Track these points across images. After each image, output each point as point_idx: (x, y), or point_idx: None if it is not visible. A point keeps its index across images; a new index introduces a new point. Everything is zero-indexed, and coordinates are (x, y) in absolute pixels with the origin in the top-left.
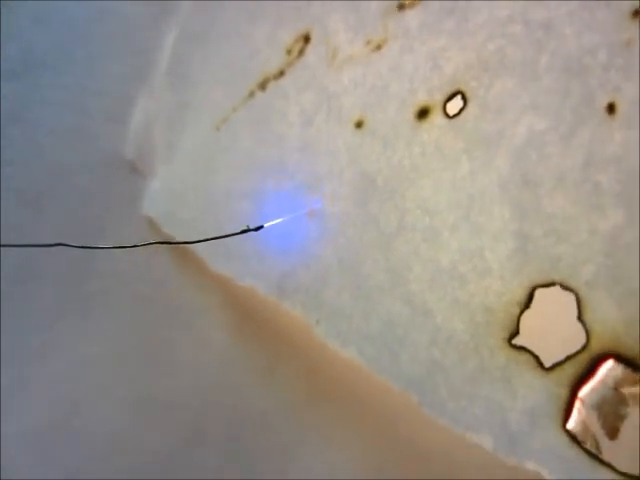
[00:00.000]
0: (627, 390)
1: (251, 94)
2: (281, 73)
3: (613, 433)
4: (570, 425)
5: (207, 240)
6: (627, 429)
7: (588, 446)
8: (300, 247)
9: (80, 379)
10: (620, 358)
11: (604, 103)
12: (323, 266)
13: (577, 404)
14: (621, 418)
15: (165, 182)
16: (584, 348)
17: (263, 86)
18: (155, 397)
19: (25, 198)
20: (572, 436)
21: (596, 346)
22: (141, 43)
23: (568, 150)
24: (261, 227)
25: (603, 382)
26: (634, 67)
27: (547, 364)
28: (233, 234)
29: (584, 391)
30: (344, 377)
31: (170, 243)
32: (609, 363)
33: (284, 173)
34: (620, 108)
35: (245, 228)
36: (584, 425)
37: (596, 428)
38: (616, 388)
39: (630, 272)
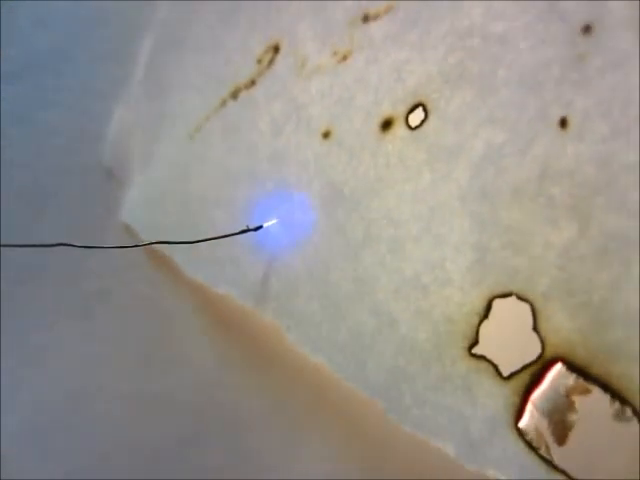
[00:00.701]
0: (577, 398)
1: (223, 103)
2: (252, 82)
3: (562, 440)
4: (522, 424)
5: (207, 240)
6: (576, 436)
7: (542, 452)
8: (271, 255)
9: (80, 379)
10: (573, 367)
11: (557, 117)
12: (293, 274)
13: (529, 406)
14: (570, 425)
15: (142, 190)
16: (539, 357)
17: (235, 95)
18: (155, 396)
19: (25, 198)
20: (526, 440)
21: (551, 355)
22: (139, 45)
23: (524, 163)
24: (260, 227)
25: (553, 386)
26: (586, 82)
27: (505, 373)
28: (233, 234)
29: (535, 394)
30: (329, 382)
31: (170, 243)
32: (558, 366)
33: (255, 182)
34: (572, 122)
35: (244, 228)
36: (537, 431)
37: (547, 434)
38: (567, 395)
39: (583, 284)
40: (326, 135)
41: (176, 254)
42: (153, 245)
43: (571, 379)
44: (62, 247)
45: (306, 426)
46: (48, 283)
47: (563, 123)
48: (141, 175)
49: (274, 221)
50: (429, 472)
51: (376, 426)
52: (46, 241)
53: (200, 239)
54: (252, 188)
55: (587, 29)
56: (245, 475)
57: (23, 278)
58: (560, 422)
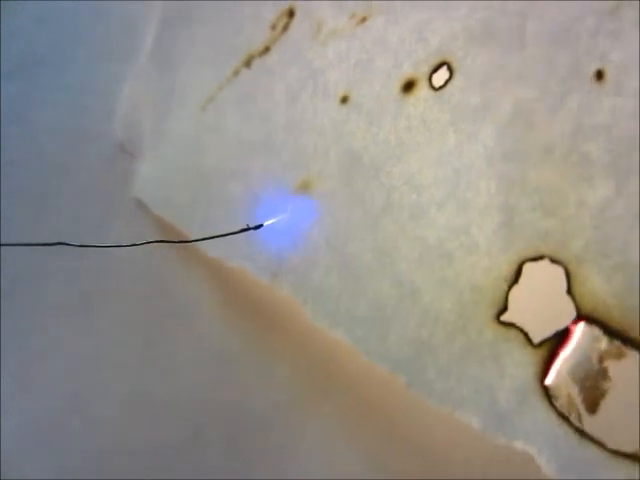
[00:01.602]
0: (610, 363)
1: (236, 72)
2: (266, 49)
3: (593, 407)
4: (549, 382)
5: (207, 239)
6: (610, 403)
7: (574, 420)
8: (288, 227)
9: (80, 378)
10: (609, 330)
11: (592, 70)
12: (311, 246)
13: (556, 365)
14: (602, 393)
15: (154, 164)
16: (574, 322)
17: (248, 63)
18: (155, 396)
19: (25, 198)
20: (557, 409)
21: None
22: (142, 43)
23: (556, 120)
24: (260, 226)
25: (583, 350)
26: (622, 33)
27: (536, 340)
28: (232, 233)
29: (563, 354)
30: (344, 371)
31: (170, 242)
32: (584, 327)
33: (271, 152)
34: (609, 74)
35: (245, 227)
36: (568, 397)
37: (578, 401)
38: (600, 361)
39: (620, 245)
40: (344, 100)
41: (191, 230)
42: (166, 221)
43: (604, 342)
44: (62, 246)
45: (322, 403)
46: (48, 282)
47: (599, 76)
48: (153, 149)
49: (275, 220)
50: (452, 447)
51: (396, 402)
52: (46, 240)
53: (200, 238)
54: (268, 158)
55: None
56: (277, 464)
57: (23, 278)
58: (592, 389)
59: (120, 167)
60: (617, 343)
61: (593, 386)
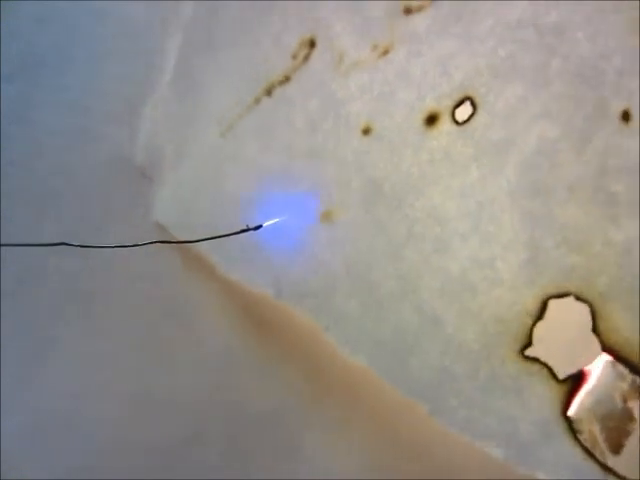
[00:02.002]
0: (635, 404)
1: (257, 100)
2: (287, 79)
3: (617, 448)
4: (571, 412)
5: (206, 240)
6: (633, 443)
7: (598, 456)
8: (308, 253)
9: (80, 378)
10: (634, 368)
11: (619, 110)
12: (331, 273)
13: (578, 396)
14: (627, 434)
15: (174, 189)
16: None
17: (269, 92)
18: (156, 396)
19: (25, 198)
20: (582, 444)
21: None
22: (143, 44)
23: (581, 158)
24: (260, 226)
25: (605, 388)
26: None
27: (561, 376)
28: (232, 233)
29: (584, 389)
30: (345, 377)
31: (170, 242)
32: (606, 362)
33: (290, 180)
34: (635, 115)
35: (244, 227)
36: (591, 434)
37: (600, 440)
38: (624, 401)
39: None
40: (366, 132)
41: (214, 254)
42: (186, 245)
43: (627, 381)
44: (62, 247)
45: (343, 429)
46: (49, 283)
47: (625, 116)
48: (173, 174)
49: (276, 220)
50: (450, 451)
51: (394, 406)
52: (46, 241)
53: (200, 239)
54: (287, 186)
55: None
56: (277, 465)
57: (23, 278)
58: (615, 429)
59: (120, 167)
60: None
61: (616, 426)
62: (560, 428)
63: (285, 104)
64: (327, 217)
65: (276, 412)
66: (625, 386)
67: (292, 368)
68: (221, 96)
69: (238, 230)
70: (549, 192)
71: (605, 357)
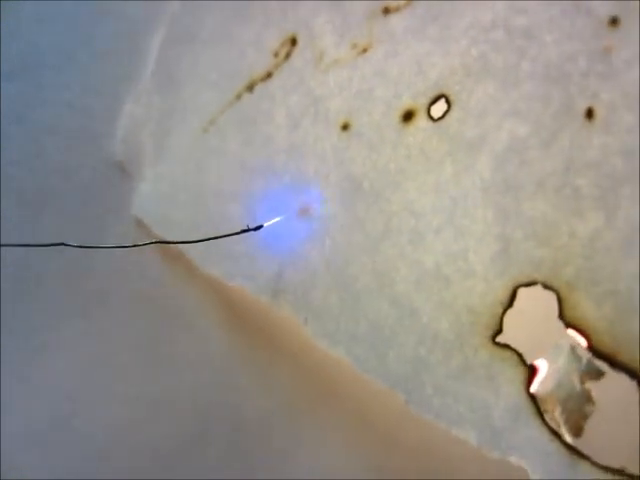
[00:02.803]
0: (592, 385)
1: (238, 96)
2: (268, 75)
3: (577, 431)
4: (533, 389)
5: (207, 240)
6: (601, 423)
7: (566, 438)
8: (288, 248)
9: (80, 379)
10: (599, 354)
11: (583, 109)
12: (310, 267)
13: (540, 373)
14: (585, 416)
15: (154, 184)
16: None
17: (250, 88)
18: (155, 397)
19: (25, 198)
20: (550, 427)
21: None
22: (141, 43)
23: (548, 155)
24: (260, 227)
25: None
26: (612, 74)
27: (529, 361)
28: (233, 234)
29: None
30: (341, 377)
31: (170, 242)
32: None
33: (272, 175)
34: (599, 113)
35: (245, 228)
36: (553, 415)
37: (562, 422)
38: (582, 382)
39: (609, 274)
40: (345, 127)
41: (190, 250)
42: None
43: (585, 364)
44: (62, 247)
45: (322, 421)
46: (48, 283)
47: (589, 114)
48: (153, 169)
49: (276, 220)
50: (447, 451)
51: (391, 407)
52: (46, 241)
53: (200, 239)
54: (268, 181)
55: (614, 21)
56: (277, 465)
57: (23, 278)
58: (576, 411)
59: (120, 167)
60: (600, 365)
61: (576, 408)
62: (530, 412)
63: (266, 100)
64: (306, 211)
65: (274, 413)
66: (584, 368)
67: (285, 367)
68: (203, 91)
69: (238, 231)
70: (519, 187)
71: (567, 339)
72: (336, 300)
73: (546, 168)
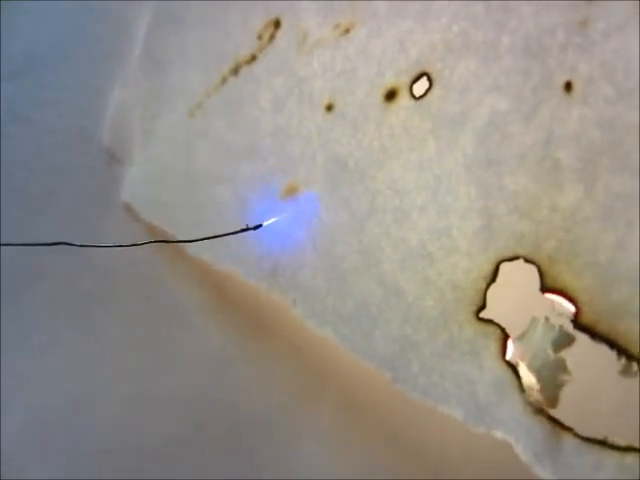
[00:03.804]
0: (566, 353)
1: (224, 80)
2: (253, 58)
3: (552, 402)
4: (507, 356)
5: (206, 239)
6: (582, 393)
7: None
8: (276, 230)
9: (80, 378)
10: (579, 325)
11: (562, 82)
12: (298, 248)
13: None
14: (560, 385)
15: (142, 168)
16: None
17: (235, 71)
18: (155, 395)
19: (25, 198)
20: (531, 401)
21: None
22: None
23: (529, 129)
24: (260, 226)
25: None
26: (590, 46)
27: (512, 334)
28: (232, 233)
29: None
30: (340, 373)
31: (168, 242)
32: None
33: (258, 157)
34: (577, 86)
35: (244, 227)
36: (531, 387)
37: (538, 393)
38: (555, 351)
39: (589, 245)
40: (329, 108)
41: (179, 233)
42: (155, 224)
43: (556, 332)
44: (62, 246)
45: (318, 403)
46: (48, 282)
47: (568, 87)
48: (141, 153)
49: (275, 219)
50: (446, 446)
51: (390, 402)
52: (46, 240)
53: (200, 238)
54: (255, 164)
55: None
56: (277, 463)
57: (23, 278)
58: (550, 380)
59: (119, 167)
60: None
61: (550, 378)
62: (513, 387)
63: (251, 82)
64: (292, 192)
65: (273, 410)
66: (556, 336)
67: (285, 364)
68: (189, 75)
69: (238, 230)
70: (501, 162)
71: (544, 310)
72: (323, 280)
73: (527, 142)
